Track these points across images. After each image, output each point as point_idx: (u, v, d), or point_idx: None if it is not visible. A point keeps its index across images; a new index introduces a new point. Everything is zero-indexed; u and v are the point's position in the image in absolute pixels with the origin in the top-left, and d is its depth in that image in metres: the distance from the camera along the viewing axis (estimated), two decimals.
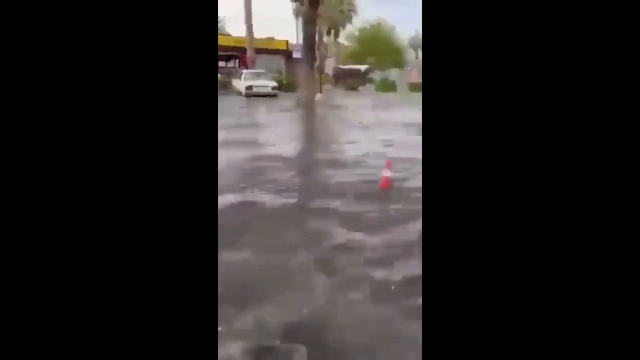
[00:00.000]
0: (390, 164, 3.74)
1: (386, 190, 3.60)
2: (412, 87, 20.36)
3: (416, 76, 23.91)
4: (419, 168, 4.54)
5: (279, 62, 22.38)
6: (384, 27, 32.73)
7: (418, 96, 16.13)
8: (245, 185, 3.78)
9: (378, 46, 31.37)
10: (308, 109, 12.06)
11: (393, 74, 27.74)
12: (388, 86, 20.79)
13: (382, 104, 13.25)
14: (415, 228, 2.65)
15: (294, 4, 16.69)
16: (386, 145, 5.88)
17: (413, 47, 41.02)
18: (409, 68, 30.21)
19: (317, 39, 18.09)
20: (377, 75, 26.47)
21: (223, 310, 1.40)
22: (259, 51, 20.30)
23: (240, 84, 15.86)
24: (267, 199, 3.39)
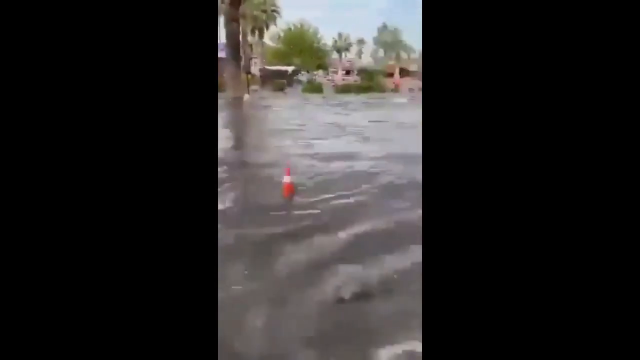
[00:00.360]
0: (288, 169, 3.58)
1: (289, 196, 3.48)
2: (338, 89, 21.11)
3: (340, 78, 24.87)
4: (335, 166, 4.76)
5: None
6: (308, 29, 33.34)
7: (344, 98, 16.57)
8: None
9: (303, 47, 31.84)
10: (236, 110, 11.71)
11: (319, 75, 28.48)
12: (315, 88, 21.24)
13: (309, 105, 13.49)
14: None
15: None
16: (310, 146, 6.01)
17: (337, 49, 42.54)
18: (333, 70, 31.26)
19: (240, 38, 17.63)
20: (303, 77, 26.87)
21: None
22: None
23: None
24: None
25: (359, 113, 11.14)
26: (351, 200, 3.49)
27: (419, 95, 18.89)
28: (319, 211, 3.16)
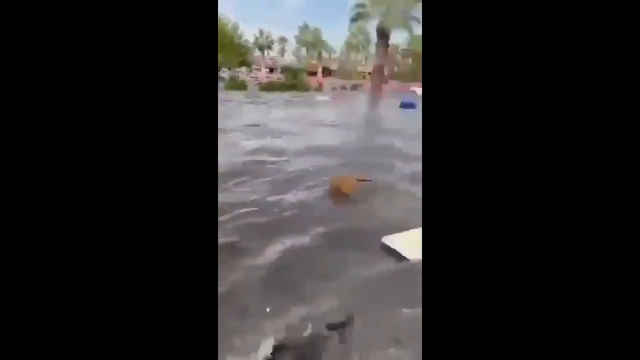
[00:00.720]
0: None
1: None
2: (262, 87, 20.88)
3: (264, 76, 24.60)
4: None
5: None
6: (227, 24, 32.16)
7: (268, 95, 16.38)
8: None
9: (223, 43, 30.63)
10: None
11: (242, 73, 27.79)
12: (238, 85, 20.67)
13: (232, 103, 13.12)
14: None
15: None
16: (234, 145, 5.94)
17: (259, 46, 41.88)
18: (257, 67, 30.75)
19: None
20: (225, 74, 25.92)
21: None
22: None
23: None
24: None
25: (284, 111, 11.23)
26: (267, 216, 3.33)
27: (341, 94, 19.68)
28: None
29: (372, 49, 26.31)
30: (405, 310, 1.63)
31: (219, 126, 7.81)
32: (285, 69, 29.53)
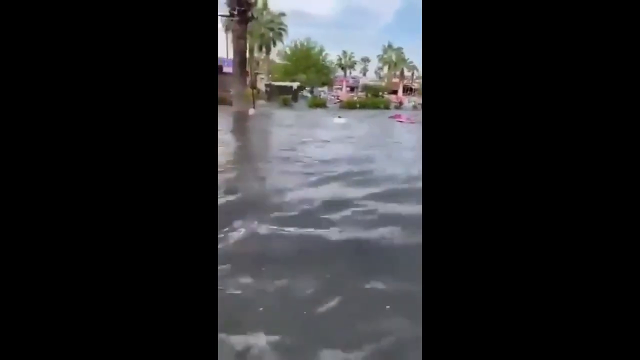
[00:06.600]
0: None
1: None
2: (342, 105, 21.44)
3: (345, 94, 25.31)
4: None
5: None
6: (313, 47, 34.07)
7: (348, 113, 16.69)
8: None
9: (308, 64, 32.45)
10: (242, 124, 11.91)
11: (324, 92, 29.05)
12: (319, 103, 21.60)
13: (315, 119, 13.67)
14: None
15: (224, 18, 16.56)
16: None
17: (341, 66, 43.35)
18: (338, 87, 31.78)
19: (247, 54, 18.08)
20: (307, 92, 27.33)
21: None
22: None
23: None
24: None
25: (363, 130, 11.28)
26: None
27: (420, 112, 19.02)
28: None
29: None
30: None
31: (306, 140, 8.22)
32: (366, 88, 29.90)
